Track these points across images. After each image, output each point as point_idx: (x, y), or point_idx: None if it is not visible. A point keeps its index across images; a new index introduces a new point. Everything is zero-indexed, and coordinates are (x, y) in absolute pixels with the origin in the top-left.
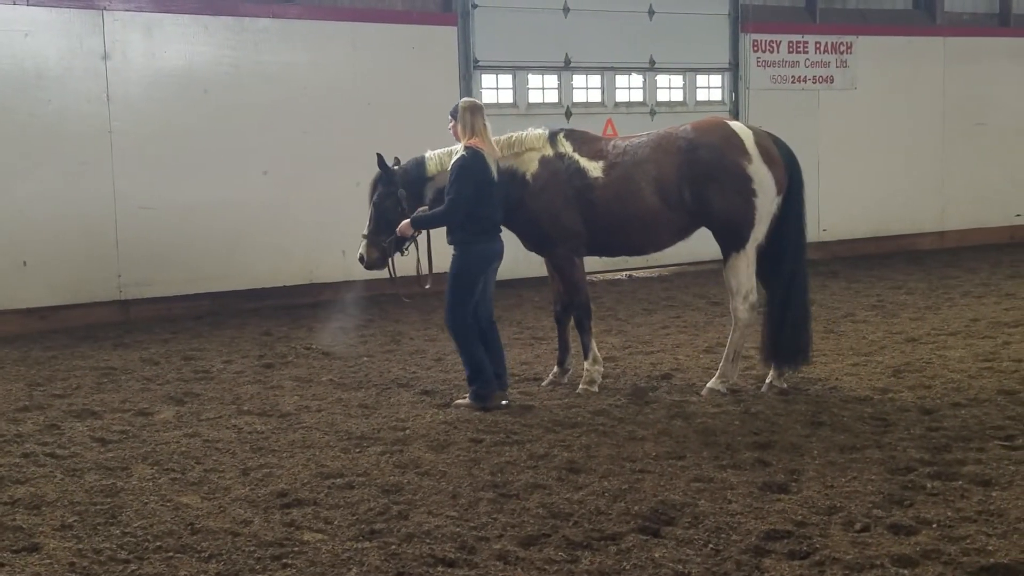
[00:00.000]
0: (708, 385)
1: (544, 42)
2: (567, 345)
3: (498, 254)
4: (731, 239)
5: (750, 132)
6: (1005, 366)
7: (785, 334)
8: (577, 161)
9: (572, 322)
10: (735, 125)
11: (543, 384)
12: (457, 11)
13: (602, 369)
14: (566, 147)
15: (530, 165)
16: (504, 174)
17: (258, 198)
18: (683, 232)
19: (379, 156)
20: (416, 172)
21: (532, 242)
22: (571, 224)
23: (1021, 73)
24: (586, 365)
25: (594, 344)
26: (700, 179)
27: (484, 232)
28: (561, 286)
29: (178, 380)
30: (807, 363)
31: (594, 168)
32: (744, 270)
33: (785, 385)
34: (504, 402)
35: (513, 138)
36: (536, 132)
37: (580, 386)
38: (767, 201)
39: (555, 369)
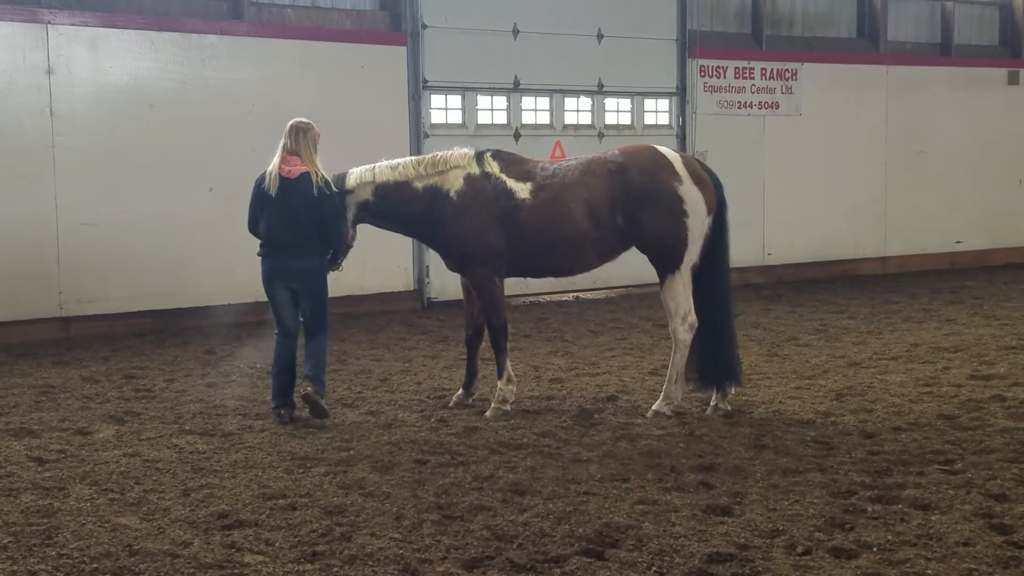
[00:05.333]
0: (653, 407)
1: (494, 63)
2: (476, 370)
3: (284, 273)
4: (666, 261)
5: (678, 155)
6: (945, 391)
7: (713, 355)
8: (504, 182)
9: (482, 345)
10: (663, 149)
11: (449, 404)
12: (407, 31)
13: (515, 389)
14: (493, 167)
15: (455, 183)
16: (427, 192)
17: (203, 215)
18: (611, 254)
19: None
20: (337, 184)
21: (453, 260)
22: (495, 244)
23: (961, 102)
24: (500, 384)
25: (509, 364)
26: (633, 201)
27: (262, 247)
28: (479, 306)
29: (119, 399)
30: (739, 384)
31: (522, 190)
32: (681, 291)
33: (729, 407)
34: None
35: (438, 157)
36: (462, 151)
37: (492, 405)
38: (699, 222)
39: (459, 392)
